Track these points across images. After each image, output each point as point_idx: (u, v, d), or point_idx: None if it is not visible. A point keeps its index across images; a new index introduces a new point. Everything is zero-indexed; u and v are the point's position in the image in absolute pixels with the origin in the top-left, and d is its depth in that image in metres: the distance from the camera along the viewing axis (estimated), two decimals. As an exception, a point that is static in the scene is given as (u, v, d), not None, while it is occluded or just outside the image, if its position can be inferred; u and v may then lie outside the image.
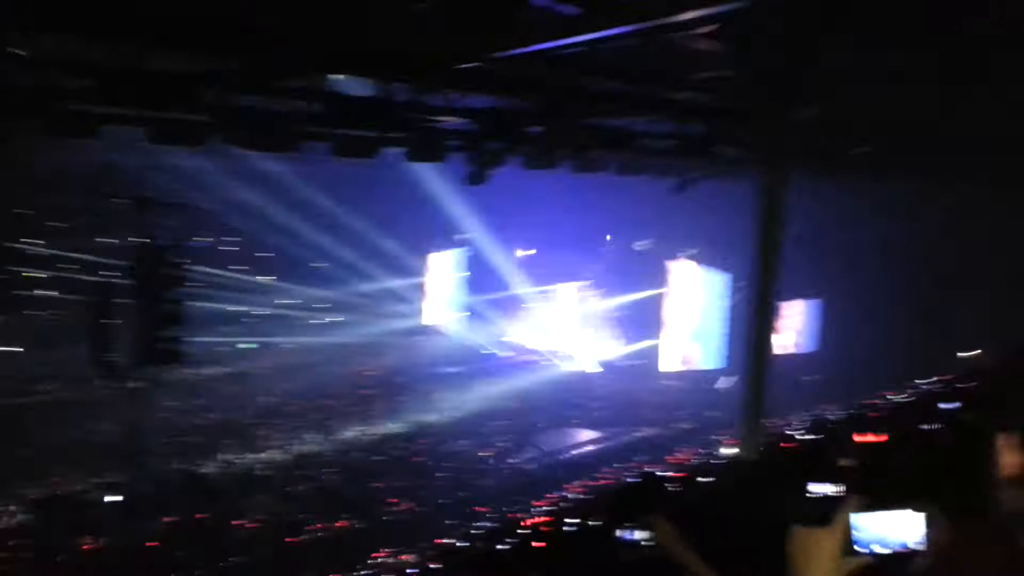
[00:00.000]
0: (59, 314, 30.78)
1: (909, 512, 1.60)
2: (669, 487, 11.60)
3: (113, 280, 20.41)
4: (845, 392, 24.20)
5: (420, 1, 8.39)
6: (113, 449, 23.27)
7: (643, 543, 3.04)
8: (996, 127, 12.69)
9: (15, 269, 31.62)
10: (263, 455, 25.64)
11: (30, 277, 32.24)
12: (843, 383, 25.76)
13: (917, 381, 19.81)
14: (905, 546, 1.59)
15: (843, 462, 8.27)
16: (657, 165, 13.87)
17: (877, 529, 1.61)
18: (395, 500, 22.91)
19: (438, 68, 9.17)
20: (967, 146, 13.94)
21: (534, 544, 10.56)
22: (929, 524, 1.56)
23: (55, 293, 31.98)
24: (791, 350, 32.16)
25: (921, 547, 1.58)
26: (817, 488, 7.82)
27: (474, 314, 39.23)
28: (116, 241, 26.71)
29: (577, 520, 11.43)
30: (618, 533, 3.05)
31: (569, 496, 21.34)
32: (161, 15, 7.78)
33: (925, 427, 9.23)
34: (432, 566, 14.20)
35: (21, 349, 31.21)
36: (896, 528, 1.60)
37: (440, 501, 22.93)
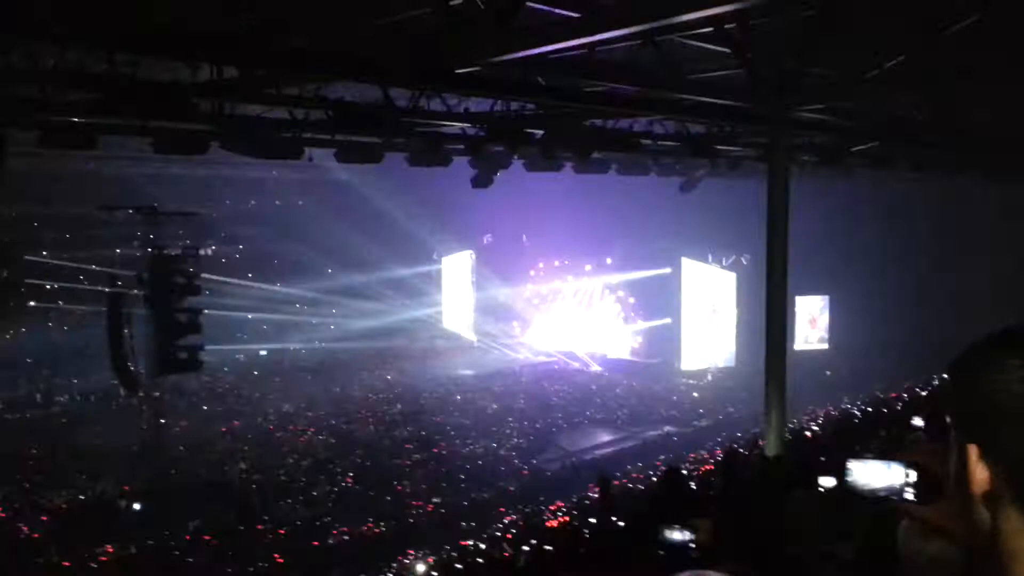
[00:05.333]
0: (72, 325, 30.79)
1: (903, 464, 1.66)
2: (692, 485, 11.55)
3: (126, 290, 20.54)
4: (861, 386, 24.27)
5: (418, 6, 8.37)
6: (137, 458, 23.53)
7: (687, 544, 3.05)
8: (992, 126, 12.58)
9: (27, 281, 31.53)
10: (286, 460, 25.75)
11: (39, 288, 32.23)
12: (856, 377, 25.84)
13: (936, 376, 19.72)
14: (893, 490, 1.66)
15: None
16: (661, 165, 13.75)
17: (869, 475, 1.70)
18: (418, 503, 22.91)
19: (437, 73, 9.15)
20: (964, 145, 13.81)
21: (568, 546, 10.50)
22: (920, 473, 1.63)
23: (65, 304, 31.82)
24: (814, 346, 32.04)
25: (908, 492, 1.64)
26: (825, 481, 7.76)
27: (489, 316, 39.20)
28: (119, 251, 26.47)
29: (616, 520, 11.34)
30: (663, 534, 3.05)
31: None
32: (159, 25, 7.82)
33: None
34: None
35: (34, 361, 31.34)
36: (886, 475, 1.67)
37: (463, 503, 22.90)
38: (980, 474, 1.05)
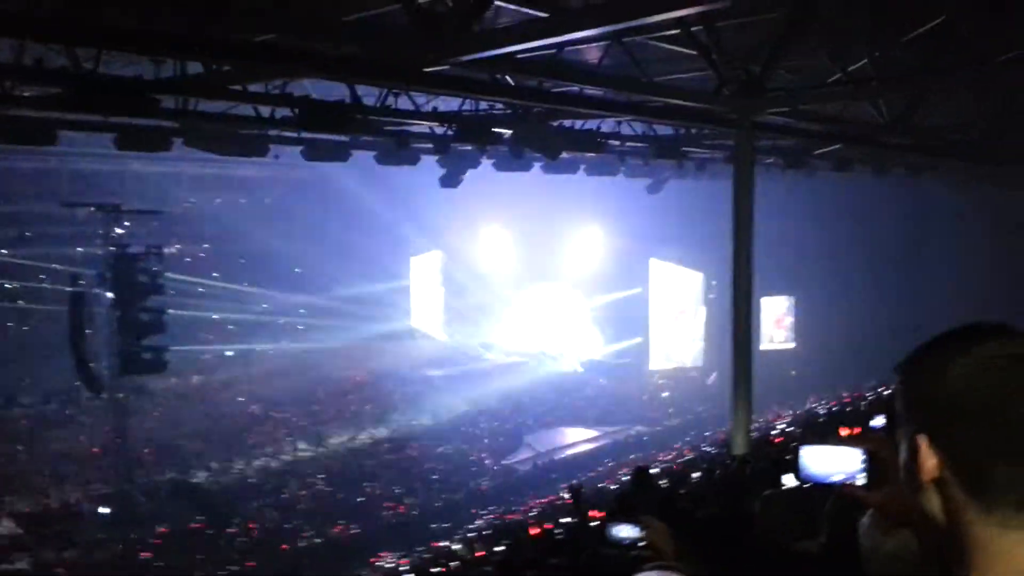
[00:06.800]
0: (34, 325, 30.03)
1: (853, 449, 1.69)
2: (661, 483, 11.63)
3: (88, 290, 20.14)
4: (826, 386, 24.64)
5: (386, 4, 8.34)
6: (102, 461, 23.18)
7: (635, 542, 3.04)
8: (954, 129, 12.83)
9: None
10: (255, 462, 25.50)
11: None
12: (822, 376, 26.22)
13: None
14: (844, 475, 1.68)
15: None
16: (628, 166, 13.82)
17: (821, 461, 1.72)
18: (390, 504, 22.82)
19: (405, 71, 9.11)
20: (927, 147, 14.08)
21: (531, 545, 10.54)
22: (871, 459, 1.65)
23: (26, 304, 30.79)
24: (781, 346, 32.40)
25: (860, 478, 1.66)
26: (787, 480, 7.84)
27: (458, 316, 39.08)
28: (80, 249, 25.73)
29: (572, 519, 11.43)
30: (611, 531, 3.04)
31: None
32: (122, 21, 7.70)
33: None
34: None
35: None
36: (838, 461, 1.70)
37: (436, 504, 22.87)
38: (929, 462, 1.13)
